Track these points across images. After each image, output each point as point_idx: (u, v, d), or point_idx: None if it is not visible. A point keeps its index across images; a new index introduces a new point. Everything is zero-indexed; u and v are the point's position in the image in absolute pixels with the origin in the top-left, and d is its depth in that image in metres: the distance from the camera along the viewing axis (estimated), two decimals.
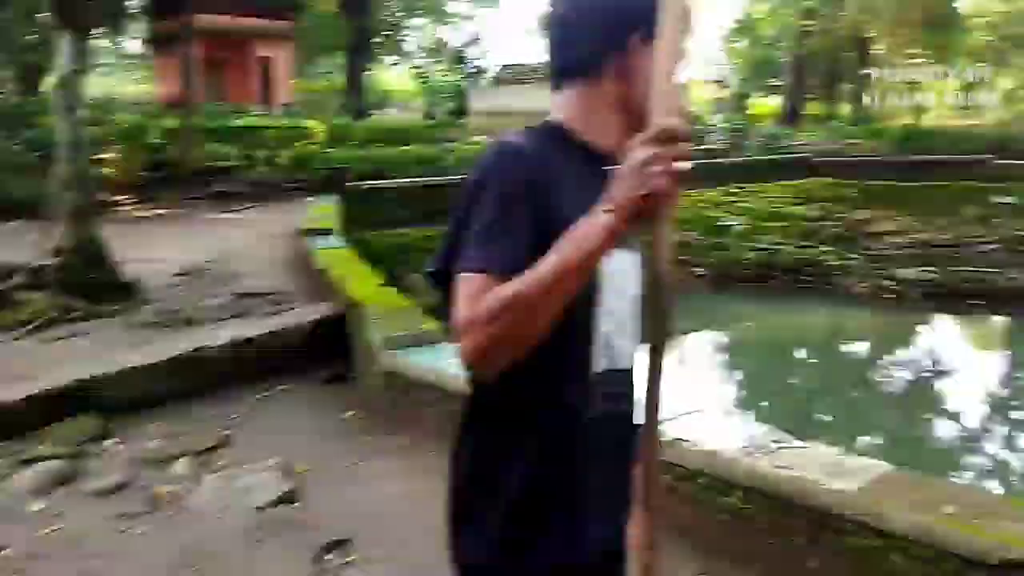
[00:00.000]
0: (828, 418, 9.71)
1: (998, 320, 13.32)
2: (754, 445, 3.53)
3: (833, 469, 3.23)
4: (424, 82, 31.24)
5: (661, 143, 1.17)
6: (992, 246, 16.65)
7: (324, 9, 30.21)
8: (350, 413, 5.57)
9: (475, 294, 1.27)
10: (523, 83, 27.39)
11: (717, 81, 38.83)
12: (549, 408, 1.44)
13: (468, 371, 1.36)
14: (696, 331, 13.15)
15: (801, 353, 12.51)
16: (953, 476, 7.50)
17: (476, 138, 18.66)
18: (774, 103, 33.76)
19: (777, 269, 14.80)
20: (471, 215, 1.36)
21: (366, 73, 29.55)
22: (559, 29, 1.53)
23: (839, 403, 10.02)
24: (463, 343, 1.27)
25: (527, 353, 1.28)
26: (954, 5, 28.47)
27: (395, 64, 34.47)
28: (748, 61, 28.02)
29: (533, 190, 1.35)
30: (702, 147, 23.70)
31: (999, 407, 9.84)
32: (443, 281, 1.38)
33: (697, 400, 9.04)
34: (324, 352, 6.43)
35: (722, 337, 13.29)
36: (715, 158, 21.68)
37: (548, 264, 1.22)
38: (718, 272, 15.03)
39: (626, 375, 1.52)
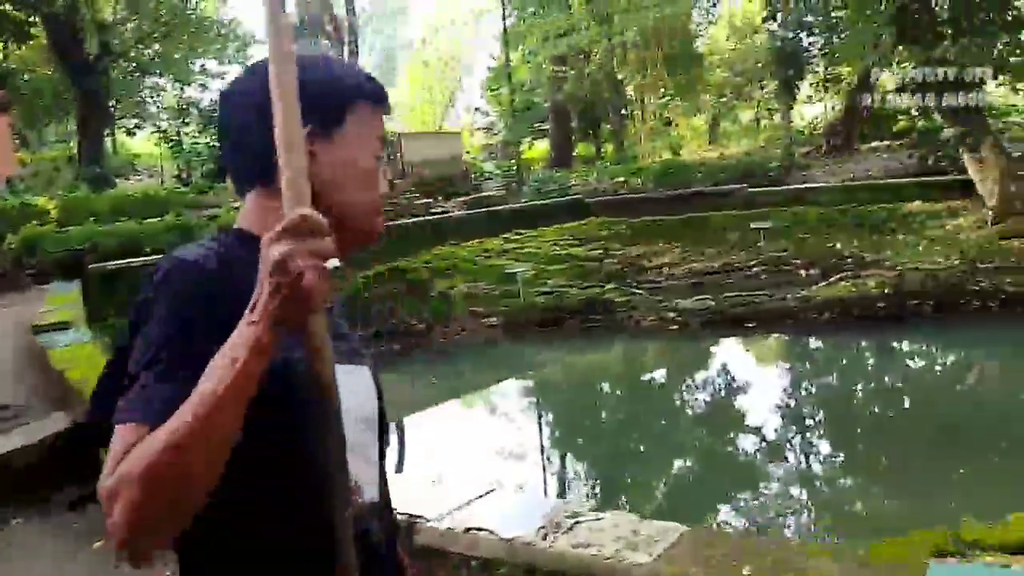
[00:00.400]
0: (641, 448, 9.90)
1: (772, 338, 14.00)
2: (551, 523, 3.43)
3: (629, 540, 3.21)
4: (173, 145, 29.32)
5: (297, 236, 1.06)
6: (756, 269, 17.61)
7: (40, 72, 27.89)
8: (100, 542, 4.70)
9: (123, 451, 1.10)
10: None
11: (486, 128, 39.75)
12: (285, 560, 1.27)
13: (120, 552, 1.11)
14: (497, 383, 13.01)
15: (602, 391, 12.59)
16: (763, 488, 7.95)
17: (236, 203, 17.58)
18: (544, 146, 34.82)
19: (567, 311, 14.87)
20: (134, 346, 1.19)
21: (105, 139, 27.39)
22: (229, 133, 1.41)
23: (647, 434, 10.14)
24: (108, 516, 1.08)
25: (204, 513, 1.12)
26: (694, 45, 30.54)
27: (138, 127, 32.12)
28: (511, 107, 28.61)
29: (212, 309, 1.17)
30: (480, 195, 23.92)
31: (787, 417, 10.39)
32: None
33: (499, 464, 8.88)
34: (68, 471, 5.44)
35: (523, 385, 13.19)
36: (493, 206, 21.88)
37: (197, 396, 1.07)
38: (510, 320, 14.92)
39: (372, 507, 1.40)
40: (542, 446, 10.04)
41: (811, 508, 7.63)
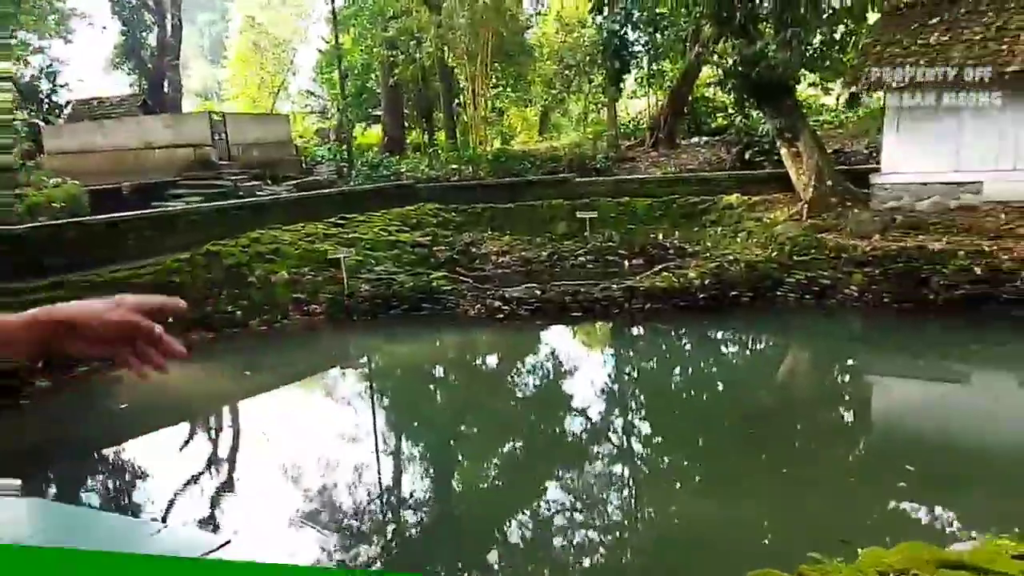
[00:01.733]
0: (474, 431, 9.85)
1: (598, 326, 14.01)
2: None
3: None
4: None
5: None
6: (583, 258, 17.68)
7: None
8: None
9: None
10: (102, 119, 24.51)
11: (319, 112, 38.26)
12: None
13: None
14: (317, 374, 12.40)
15: (427, 381, 12.13)
16: (584, 479, 7.88)
17: (53, 181, 15.92)
18: (378, 133, 33.85)
19: (395, 299, 14.32)
20: None
21: None
22: None
23: (471, 426, 10.01)
24: None
25: None
26: (524, 36, 30.37)
27: None
28: (343, 92, 27.59)
29: None
30: (310, 178, 22.88)
31: (609, 405, 10.49)
32: None
33: (303, 462, 8.17)
34: None
35: (343, 377, 12.59)
36: (321, 188, 20.97)
37: None
38: (334, 308, 14.22)
39: None
40: (355, 439, 9.43)
41: (631, 489, 7.67)
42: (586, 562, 6.34)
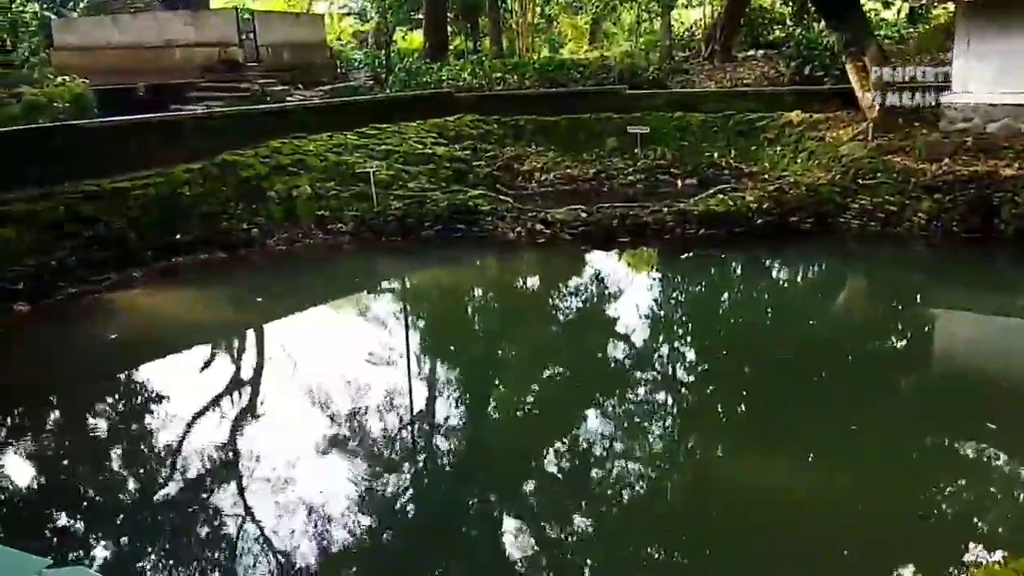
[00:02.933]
0: (506, 364, 9.12)
1: (646, 253, 12.96)
2: None
3: None
4: None
5: None
6: (632, 178, 16.32)
7: None
8: None
9: None
10: (119, 13, 22.74)
11: (358, 14, 36.19)
12: None
13: None
14: (338, 298, 11.33)
15: (460, 312, 10.92)
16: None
17: (59, 79, 14.51)
18: (420, 38, 32.01)
19: (428, 218, 12.96)
20: None
21: None
22: None
23: (514, 351, 9.32)
24: None
25: None
26: None
27: None
28: None
29: None
30: (345, 84, 21.30)
31: (659, 332, 9.80)
32: None
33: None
34: None
35: (367, 300, 11.40)
36: (356, 95, 19.38)
37: None
38: (362, 227, 12.87)
39: None
40: (375, 375, 8.22)
41: (673, 431, 7.16)
42: (616, 508, 5.82)
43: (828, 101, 16.47)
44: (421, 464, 6.59)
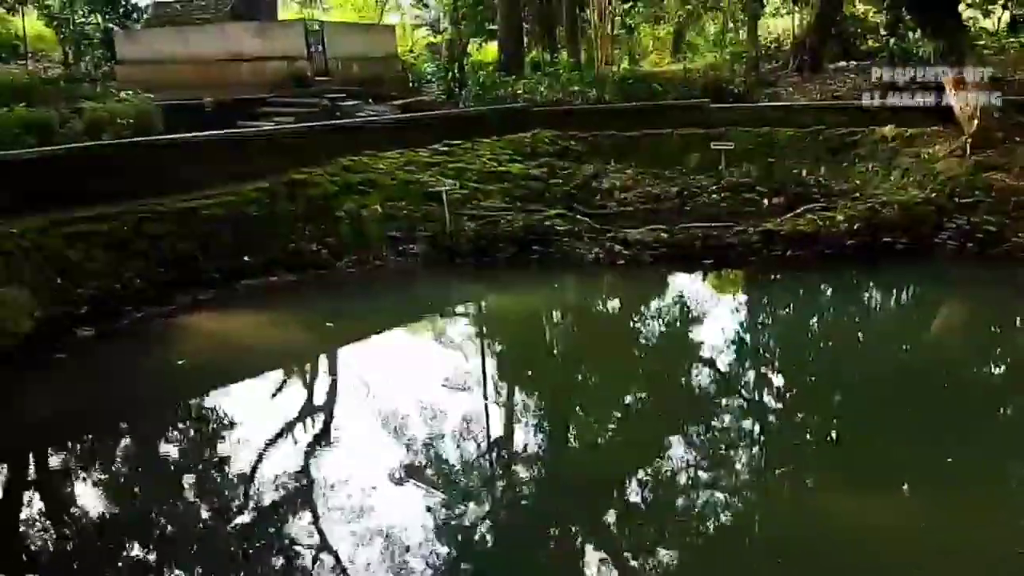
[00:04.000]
0: (591, 382, 9.16)
1: (732, 276, 12.75)
2: None
3: None
4: (60, 26, 25.64)
5: None
6: (716, 196, 15.94)
7: None
8: None
9: None
10: (185, 25, 23.16)
11: (431, 25, 36.53)
12: None
13: None
14: (411, 322, 11.25)
15: (537, 338, 10.69)
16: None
17: (123, 93, 14.82)
18: (495, 49, 32.16)
19: (503, 239, 12.89)
20: None
21: None
22: None
23: (589, 392, 8.95)
24: None
25: None
26: None
27: (22, 2, 27.83)
28: (458, 2, 25.89)
29: None
30: (417, 98, 21.37)
31: (745, 360, 9.54)
32: None
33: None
34: None
35: (441, 329, 11.21)
36: (429, 110, 19.40)
37: None
38: (434, 248, 12.88)
39: None
40: (450, 404, 8.01)
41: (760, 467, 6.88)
42: (701, 541, 5.70)
43: (925, 115, 15.95)
44: (498, 494, 6.52)
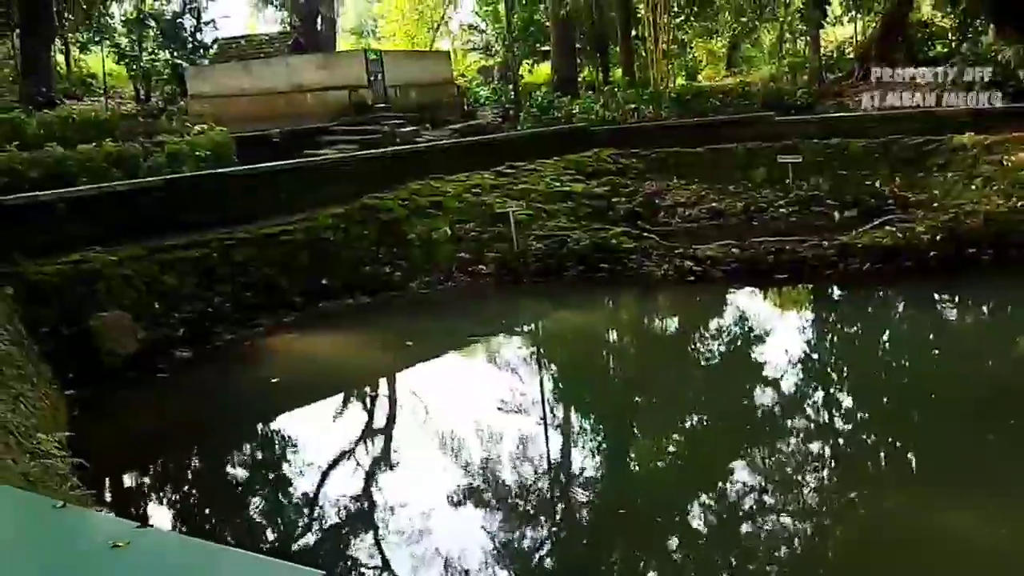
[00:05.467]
0: (653, 400, 9.39)
1: (808, 291, 12.94)
2: None
3: None
4: (131, 63, 27.36)
5: None
6: (784, 210, 16.34)
7: None
8: None
9: None
10: (250, 59, 24.64)
11: (482, 49, 37.64)
12: None
13: None
14: (491, 339, 11.82)
15: (607, 357, 11.37)
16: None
17: (197, 127, 15.91)
18: (546, 70, 33.00)
19: (570, 258, 13.47)
20: None
21: (52, 55, 25.35)
22: None
23: (657, 389, 9.54)
24: None
25: None
26: None
27: (95, 42, 29.82)
28: (511, 25, 26.80)
29: None
30: (474, 122, 22.30)
31: (829, 380, 9.69)
32: None
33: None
34: None
35: (518, 343, 11.99)
36: (486, 134, 20.28)
37: None
38: (503, 268, 13.53)
39: None
40: (539, 423, 8.74)
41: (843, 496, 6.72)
42: (776, 565, 5.79)
43: (1006, 121, 16.02)
44: (587, 516, 6.90)
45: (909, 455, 7.54)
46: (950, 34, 24.86)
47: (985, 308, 12.12)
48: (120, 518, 3.75)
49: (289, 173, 13.67)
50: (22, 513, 2.94)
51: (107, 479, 7.27)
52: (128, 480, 7.76)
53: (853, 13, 28.21)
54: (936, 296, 12.19)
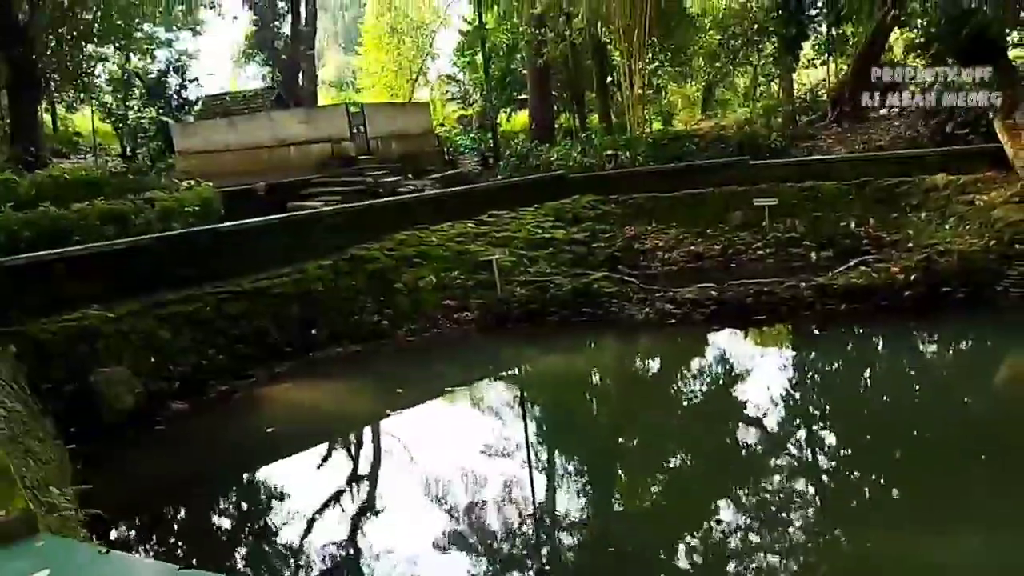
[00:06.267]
0: (640, 442, 9.68)
1: (786, 332, 13.25)
2: None
3: None
4: (117, 120, 27.97)
5: None
6: (762, 252, 16.82)
7: None
8: None
9: None
10: (234, 115, 25.36)
11: (460, 99, 38.36)
12: None
13: None
14: (480, 384, 12.30)
15: (592, 400, 11.75)
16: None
17: (184, 183, 16.37)
18: (524, 118, 33.66)
19: (553, 303, 13.88)
20: None
21: (39, 115, 25.91)
22: None
23: (643, 430, 9.79)
24: None
25: None
26: (684, 5, 29.54)
27: (80, 101, 30.54)
28: (489, 75, 27.50)
29: None
30: (454, 171, 22.87)
31: (814, 435, 9.61)
32: None
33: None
34: None
35: (505, 388, 12.41)
36: (468, 183, 20.84)
37: None
38: (488, 314, 13.94)
39: None
40: (531, 466, 9.08)
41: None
42: None
43: (976, 161, 16.44)
44: (585, 556, 7.13)
45: (892, 491, 7.75)
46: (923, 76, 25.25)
47: (962, 345, 12.44)
48: (160, 561, 4.10)
49: (278, 227, 14.11)
50: (71, 560, 3.31)
51: (118, 529, 7.60)
52: (139, 529, 8.07)
53: (826, 56, 28.90)
54: (913, 334, 12.51)
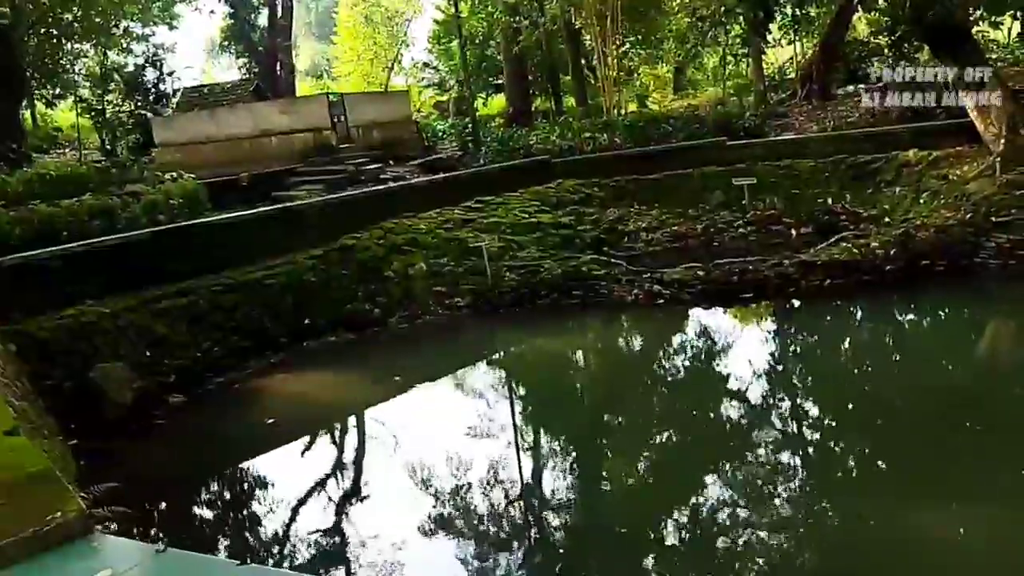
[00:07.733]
0: (633, 420, 9.66)
1: (773, 308, 13.20)
2: None
3: None
4: (95, 115, 27.50)
5: None
6: (743, 230, 16.76)
7: None
8: None
9: None
10: (214, 107, 24.95)
11: (436, 85, 38.12)
12: None
13: None
14: (466, 371, 12.18)
15: (586, 380, 11.71)
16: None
17: (167, 176, 16.08)
18: (500, 101, 33.56)
19: (542, 287, 13.84)
20: None
21: (20, 112, 25.43)
22: None
23: (639, 438, 9.40)
24: None
25: None
26: None
27: (59, 97, 30.02)
28: (466, 62, 27.27)
29: None
30: (435, 156, 22.66)
31: (808, 409, 9.70)
32: None
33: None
34: None
35: (499, 371, 12.38)
36: (448, 168, 20.66)
37: None
38: (478, 300, 13.84)
39: None
40: (515, 451, 9.09)
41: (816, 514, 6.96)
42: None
43: (947, 136, 16.41)
44: (580, 543, 7.07)
45: (878, 463, 7.81)
46: (886, 50, 25.43)
47: (941, 315, 12.58)
48: (216, 557, 3.98)
49: (269, 219, 13.92)
50: (128, 558, 3.21)
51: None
52: (143, 523, 7.94)
53: (792, 35, 28.95)
54: (896, 307, 12.59)
